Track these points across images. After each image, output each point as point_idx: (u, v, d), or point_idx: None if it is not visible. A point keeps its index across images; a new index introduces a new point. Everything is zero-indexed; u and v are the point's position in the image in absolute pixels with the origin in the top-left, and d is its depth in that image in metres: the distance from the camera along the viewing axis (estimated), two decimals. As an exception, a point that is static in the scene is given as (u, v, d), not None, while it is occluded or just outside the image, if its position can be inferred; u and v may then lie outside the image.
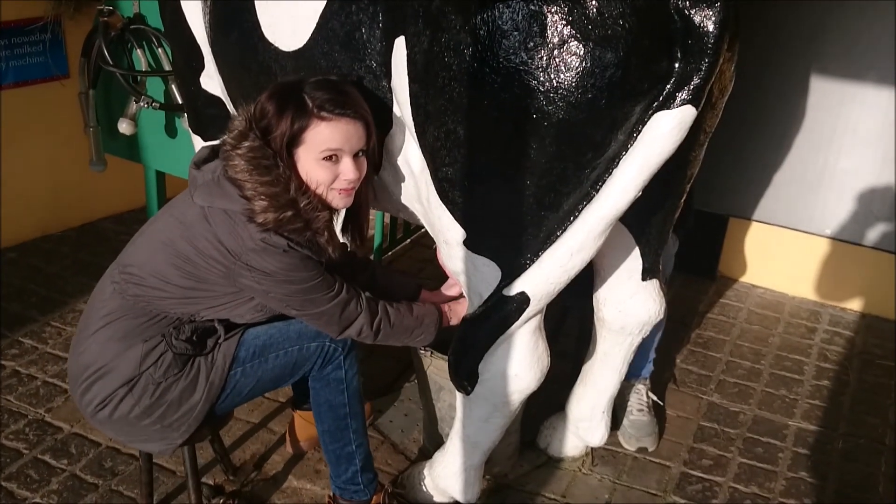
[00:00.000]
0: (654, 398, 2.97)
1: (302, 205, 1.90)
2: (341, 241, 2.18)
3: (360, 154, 1.99)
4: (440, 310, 2.27)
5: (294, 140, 1.92)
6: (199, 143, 2.79)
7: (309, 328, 2.15)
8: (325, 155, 1.93)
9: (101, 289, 2.11)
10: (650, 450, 2.87)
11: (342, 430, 2.27)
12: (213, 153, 2.04)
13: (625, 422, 2.89)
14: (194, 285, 1.99)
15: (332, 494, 2.38)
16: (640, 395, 2.91)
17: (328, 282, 2.00)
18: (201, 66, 2.56)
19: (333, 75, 2.03)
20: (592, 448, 2.80)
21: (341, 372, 2.23)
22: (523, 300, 1.99)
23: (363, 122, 1.96)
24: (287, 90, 1.95)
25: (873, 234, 3.74)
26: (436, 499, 2.48)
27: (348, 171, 1.96)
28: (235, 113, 2.54)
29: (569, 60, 1.67)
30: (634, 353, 2.50)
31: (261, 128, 1.93)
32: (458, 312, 2.27)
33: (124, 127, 3.28)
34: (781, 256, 3.98)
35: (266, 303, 2.05)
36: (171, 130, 3.35)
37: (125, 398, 2.02)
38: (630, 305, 2.36)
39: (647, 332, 2.44)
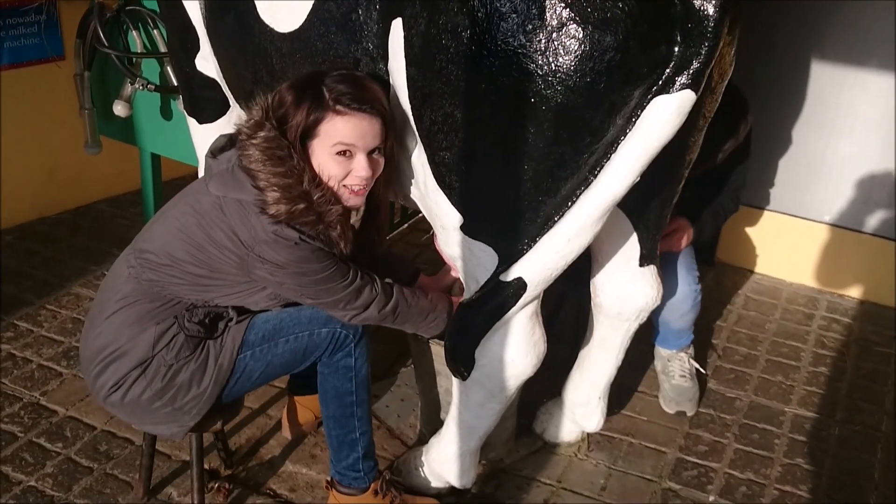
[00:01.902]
0: (697, 366, 3.05)
1: (315, 198, 1.89)
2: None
3: (376, 153, 1.98)
4: (450, 300, 2.27)
5: (308, 132, 1.91)
6: (194, 125, 2.77)
7: (320, 313, 2.14)
8: (338, 149, 1.92)
9: (116, 273, 2.11)
10: (689, 414, 2.96)
11: (347, 417, 2.26)
12: (229, 142, 2.04)
13: (665, 386, 2.99)
14: (208, 273, 2.00)
15: (330, 479, 2.37)
16: (683, 362, 3.00)
17: (342, 270, 2.00)
18: (197, 48, 2.54)
19: (353, 68, 2.01)
20: (588, 434, 2.80)
21: (351, 360, 2.22)
22: (520, 286, 1.98)
23: (381, 119, 1.95)
24: (307, 81, 1.94)
25: (872, 220, 3.73)
26: (432, 484, 2.48)
27: (361, 168, 1.94)
28: (230, 95, 2.53)
29: (567, 43, 1.65)
30: (630, 339, 2.50)
31: (277, 117, 1.92)
32: None
33: (119, 109, 3.26)
34: (780, 243, 3.98)
35: (280, 293, 2.06)
36: (166, 112, 3.33)
37: (137, 380, 2.02)
38: (627, 291, 2.35)
39: (644, 319, 2.43)
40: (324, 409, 2.29)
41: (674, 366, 2.99)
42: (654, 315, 2.72)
